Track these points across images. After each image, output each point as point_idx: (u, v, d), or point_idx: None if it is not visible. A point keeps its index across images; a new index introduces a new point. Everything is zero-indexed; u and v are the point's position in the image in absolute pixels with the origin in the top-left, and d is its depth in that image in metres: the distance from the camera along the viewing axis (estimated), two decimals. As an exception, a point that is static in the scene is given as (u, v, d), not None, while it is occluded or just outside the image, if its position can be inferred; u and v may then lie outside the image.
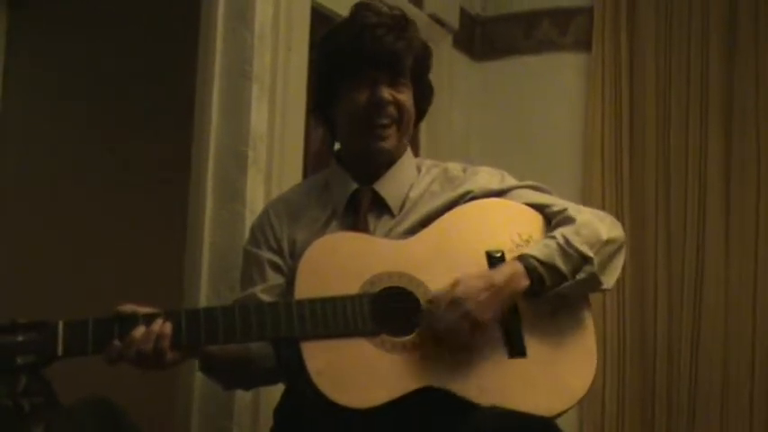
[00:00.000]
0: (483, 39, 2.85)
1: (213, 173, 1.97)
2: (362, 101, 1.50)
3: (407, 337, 1.36)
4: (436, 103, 1.66)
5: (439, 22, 2.61)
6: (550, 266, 1.40)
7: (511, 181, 1.58)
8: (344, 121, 1.56)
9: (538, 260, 1.40)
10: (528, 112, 2.76)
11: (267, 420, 1.64)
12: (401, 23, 1.53)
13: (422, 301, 1.39)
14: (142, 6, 3.01)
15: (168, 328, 1.30)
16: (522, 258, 1.41)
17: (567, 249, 1.42)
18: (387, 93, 1.49)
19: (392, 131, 1.51)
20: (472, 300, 1.34)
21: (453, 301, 1.35)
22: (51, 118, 3.25)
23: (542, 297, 1.41)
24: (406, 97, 1.52)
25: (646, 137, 2.56)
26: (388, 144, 1.52)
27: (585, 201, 2.41)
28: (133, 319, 1.30)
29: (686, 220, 2.48)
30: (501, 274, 1.39)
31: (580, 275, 1.41)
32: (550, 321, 1.43)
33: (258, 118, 1.96)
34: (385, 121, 1.50)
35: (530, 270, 1.39)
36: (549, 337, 1.41)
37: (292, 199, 1.62)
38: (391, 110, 1.50)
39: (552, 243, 1.43)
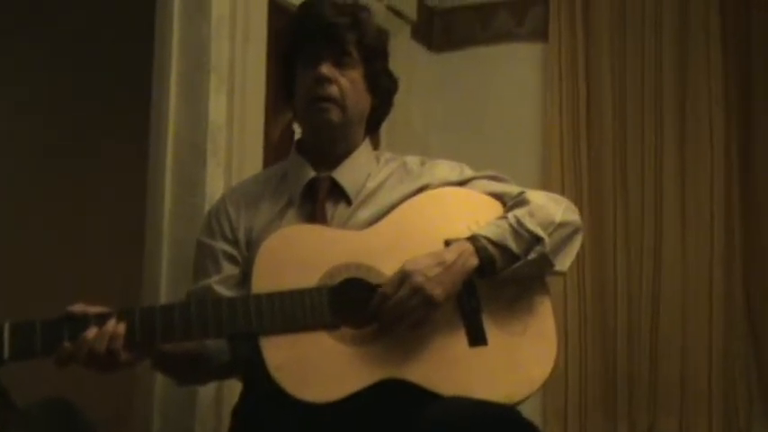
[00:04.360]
0: (441, 30, 2.86)
1: (171, 166, 1.94)
2: (308, 79, 1.49)
3: (367, 329, 1.35)
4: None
5: (397, 13, 2.61)
6: (501, 246, 1.41)
7: (469, 172, 1.58)
8: (297, 103, 1.56)
9: (488, 240, 1.41)
10: (486, 103, 2.77)
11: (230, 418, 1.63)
12: (348, 3, 1.53)
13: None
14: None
15: (122, 327, 1.27)
16: (472, 238, 1.41)
17: (518, 229, 1.42)
18: (327, 69, 1.47)
19: (334, 107, 1.48)
20: (421, 274, 1.34)
21: (403, 277, 1.34)
22: (7, 110, 3.20)
23: (497, 279, 1.41)
24: (347, 80, 1.49)
25: (603, 125, 2.59)
26: (331, 115, 1.49)
27: (545, 189, 2.41)
28: (84, 320, 1.27)
29: (644, 205, 2.52)
30: (450, 251, 1.39)
31: (531, 256, 1.41)
32: (510, 309, 1.43)
33: (216, 110, 1.93)
34: (324, 97, 1.47)
35: (479, 249, 1.39)
36: (508, 325, 1.42)
37: (250, 187, 1.60)
38: (332, 89, 1.48)
39: (503, 223, 1.43)
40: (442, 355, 1.37)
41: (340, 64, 1.49)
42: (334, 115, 1.49)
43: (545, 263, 1.44)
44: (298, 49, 1.53)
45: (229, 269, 1.50)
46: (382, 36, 1.59)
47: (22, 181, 3.12)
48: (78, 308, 1.29)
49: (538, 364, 1.41)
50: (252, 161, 2.02)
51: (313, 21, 1.50)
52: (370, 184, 1.53)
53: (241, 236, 1.52)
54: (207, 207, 1.85)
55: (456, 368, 1.37)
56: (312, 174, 1.53)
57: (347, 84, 1.49)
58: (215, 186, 1.91)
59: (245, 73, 2.00)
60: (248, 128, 2.02)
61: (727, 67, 2.49)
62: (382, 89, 1.57)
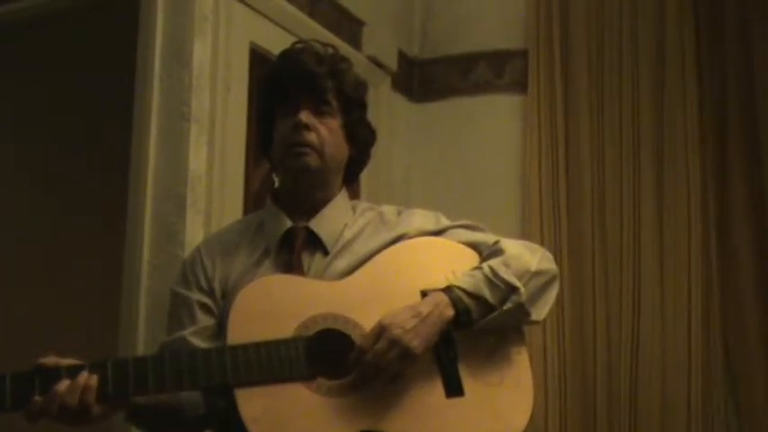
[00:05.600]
0: (421, 80, 2.90)
1: (151, 215, 1.94)
2: (286, 126, 1.50)
3: (344, 380, 1.35)
4: (376, 143, 1.66)
5: (377, 64, 2.65)
6: (477, 297, 1.41)
7: (445, 222, 1.58)
8: (275, 152, 1.55)
9: (463, 290, 1.41)
10: (466, 152, 2.80)
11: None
12: (328, 53, 1.55)
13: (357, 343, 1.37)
14: (78, 47, 3.00)
15: (94, 380, 1.24)
16: (447, 289, 1.42)
17: (493, 280, 1.43)
18: (306, 116, 1.48)
19: (312, 152, 1.48)
20: (398, 327, 1.34)
21: (380, 331, 1.34)
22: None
23: (473, 329, 1.42)
24: (326, 128, 1.50)
25: (581, 174, 2.62)
26: (309, 160, 1.48)
27: (524, 238, 2.43)
28: (56, 373, 1.23)
29: (622, 252, 2.54)
30: (426, 303, 1.39)
31: (507, 305, 1.42)
32: (487, 359, 1.43)
33: (197, 159, 1.94)
34: (302, 143, 1.47)
35: (455, 300, 1.40)
36: (485, 376, 1.42)
37: (227, 237, 1.59)
38: (311, 135, 1.48)
39: (478, 274, 1.44)
40: (419, 407, 1.36)
41: (319, 113, 1.50)
42: (312, 161, 1.49)
43: (521, 312, 1.45)
44: (276, 97, 1.54)
45: (204, 320, 1.48)
46: (361, 87, 1.60)
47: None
48: (50, 360, 1.26)
49: (515, 415, 1.40)
50: (232, 210, 2.02)
51: (292, 69, 1.51)
52: (347, 234, 1.53)
53: (216, 286, 1.50)
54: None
55: (433, 419, 1.36)
56: (289, 224, 1.52)
57: (326, 132, 1.50)
58: (194, 236, 1.90)
59: (225, 122, 2.02)
60: (229, 177, 2.02)
61: (703, 117, 2.53)
62: (360, 140, 1.58)
